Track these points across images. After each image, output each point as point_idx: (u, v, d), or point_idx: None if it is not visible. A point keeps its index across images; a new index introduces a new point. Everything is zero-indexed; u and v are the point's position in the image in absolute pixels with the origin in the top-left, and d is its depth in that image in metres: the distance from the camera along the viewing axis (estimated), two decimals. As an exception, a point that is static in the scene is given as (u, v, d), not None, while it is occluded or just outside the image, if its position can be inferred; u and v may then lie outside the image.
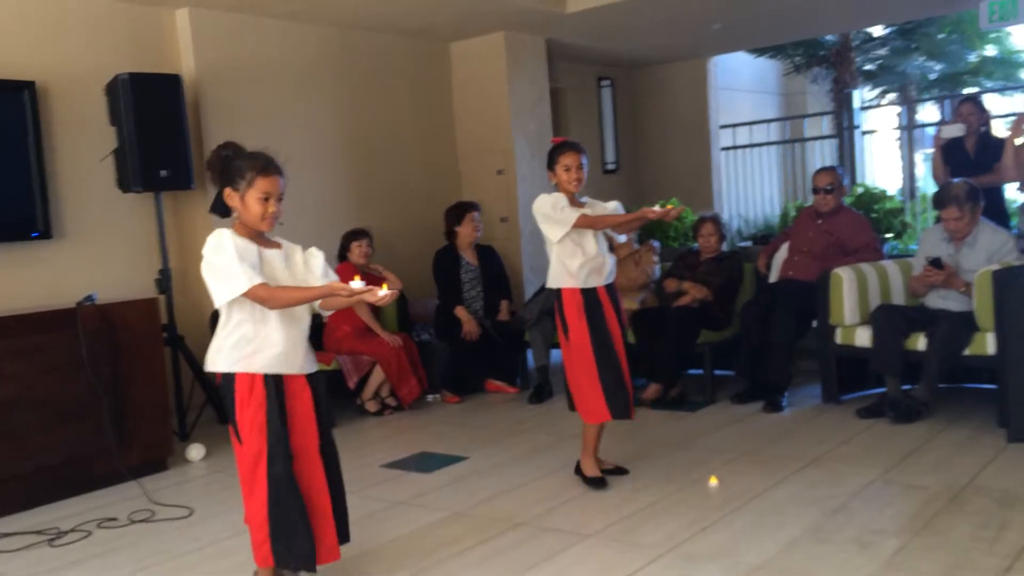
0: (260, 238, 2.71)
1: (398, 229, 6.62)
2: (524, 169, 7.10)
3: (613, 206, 3.88)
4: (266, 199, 2.64)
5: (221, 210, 2.73)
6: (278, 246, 2.76)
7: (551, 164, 3.80)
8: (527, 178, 7.12)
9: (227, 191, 2.67)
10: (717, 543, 3.17)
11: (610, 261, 3.83)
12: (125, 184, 5.00)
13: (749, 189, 9.70)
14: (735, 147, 9.70)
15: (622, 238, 4.08)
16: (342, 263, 5.73)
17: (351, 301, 2.60)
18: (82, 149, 5.07)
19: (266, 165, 2.66)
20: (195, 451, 4.71)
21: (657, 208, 3.77)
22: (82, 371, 4.19)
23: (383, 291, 2.52)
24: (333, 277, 2.76)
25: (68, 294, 4.48)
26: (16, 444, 4.01)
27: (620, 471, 3.93)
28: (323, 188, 6.12)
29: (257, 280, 2.56)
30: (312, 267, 2.77)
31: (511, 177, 7.05)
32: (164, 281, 5.08)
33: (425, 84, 7.04)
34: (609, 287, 3.83)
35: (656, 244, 6.06)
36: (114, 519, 3.85)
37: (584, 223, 3.71)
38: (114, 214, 5.22)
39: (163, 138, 5.00)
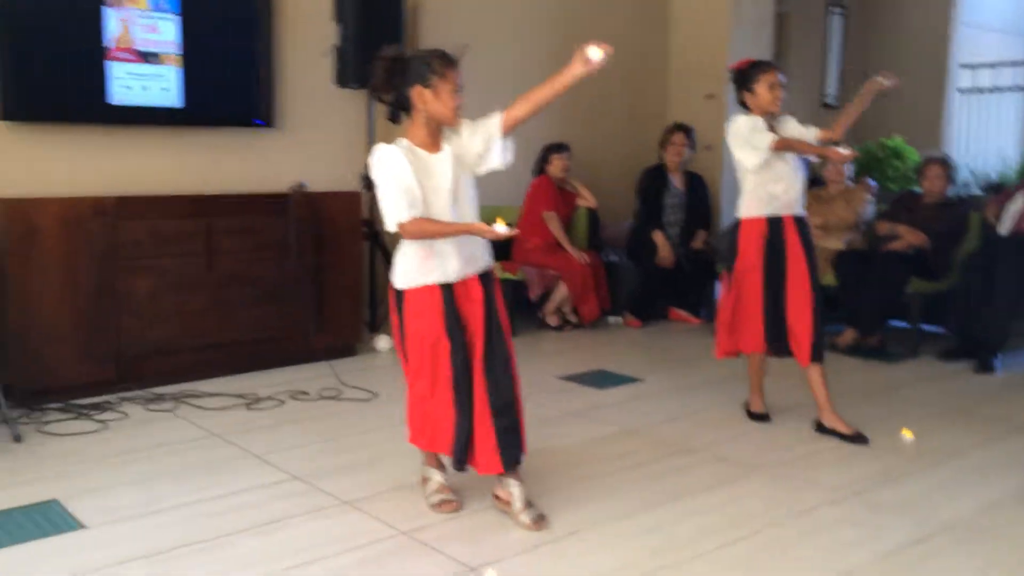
0: (435, 137, 2.66)
1: (597, 146, 6.51)
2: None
3: (813, 134, 3.60)
4: (457, 91, 2.61)
5: (399, 116, 2.71)
6: (438, 148, 2.67)
7: (748, 83, 3.54)
8: (737, 107, 6.78)
9: (416, 90, 2.60)
10: (907, 495, 2.96)
11: (802, 192, 3.61)
12: (343, 80, 5.16)
13: (983, 137, 8.83)
14: (974, 89, 8.82)
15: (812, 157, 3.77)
16: (539, 175, 5.72)
17: (483, 236, 2.57)
18: (306, 42, 5.26)
19: (453, 57, 2.62)
20: (383, 342, 4.91)
21: (844, 151, 3.47)
22: (289, 254, 4.43)
23: (502, 228, 2.46)
24: (498, 149, 2.66)
25: (281, 181, 4.73)
26: (228, 315, 4.33)
27: (856, 439, 3.47)
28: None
29: (405, 216, 2.55)
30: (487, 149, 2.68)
31: (721, 103, 6.72)
32: (369, 177, 5.23)
33: (642, -5, 6.81)
34: (799, 219, 3.60)
35: (873, 183, 5.65)
36: (306, 393, 4.09)
37: (782, 146, 3.48)
38: (329, 108, 5.41)
39: (381, 38, 5.02)
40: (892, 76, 3.44)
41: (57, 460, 3.22)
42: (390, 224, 2.61)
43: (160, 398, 3.95)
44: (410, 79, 2.61)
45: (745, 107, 3.61)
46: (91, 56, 4.43)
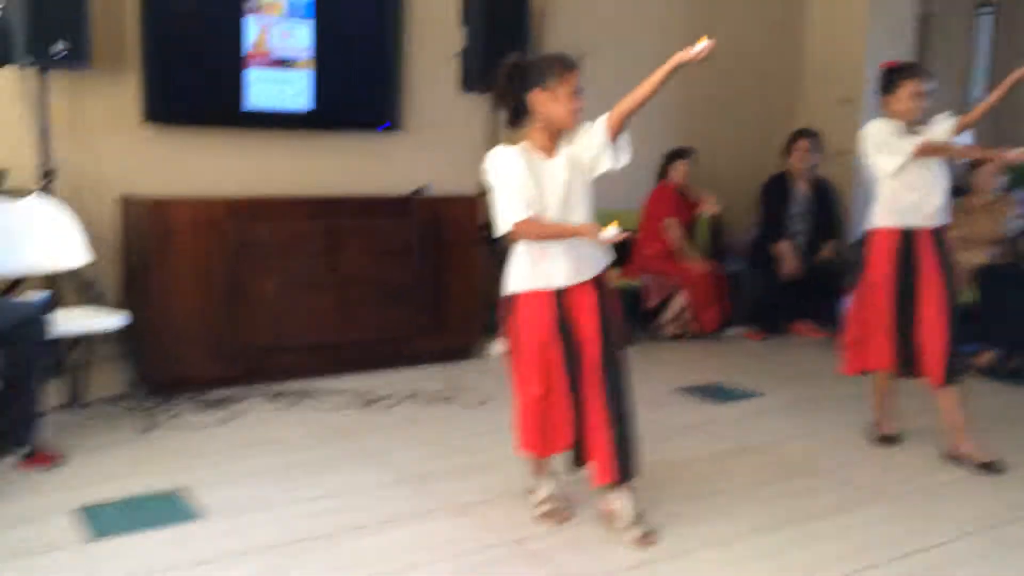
0: (553, 142, 2.66)
1: (721, 150, 6.34)
2: (873, 100, 6.47)
3: (949, 125, 3.39)
4: (576, 94, 2.61)
5: (519, 121, 2.72)
6: (554, 153, 2.67)
7: (892, 87, 3.39)
8: (875, 111, 6.48)
9: (535, 93, 2.61)
10: (1047, 534, 2.75)
11: (944, 202, 3.40)
12: (468, 84, 5.21)
13: None
14: None
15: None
16: (661, 181, 5.62)
17: (590, 239, 2.54)
18: (433, 46, 5.32)
19: (572, 60, 2.62)
20: (497, 347, 4.93)
21: (1020, 151, 3.28)
22: (410, 257, 4.50)
23: (612, 231, 2.42)
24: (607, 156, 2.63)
25: (405, 184, 4.81)
26: (349, 315, 4.42)
27: (991, 468, 3.27)
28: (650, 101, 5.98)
29: (520, 217, 2.56)
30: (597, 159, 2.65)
31: (856, 108, 6.45)
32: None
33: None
34: (937, 232, 3.39)
35: (1020, 197, 5.30)
36: (421, 394, 4.14)
37: (928, 150, 3.29)
38: (454, 112, 5.46)
39: (507, 42, 5.09)
40: None
41: (181, 451, 3.36)
42: (503, 225, 2.61)
43: (281, 395, 4.07)
44: (528, 83, 2.62)
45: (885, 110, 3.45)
46: (231, 62, 4.63)
